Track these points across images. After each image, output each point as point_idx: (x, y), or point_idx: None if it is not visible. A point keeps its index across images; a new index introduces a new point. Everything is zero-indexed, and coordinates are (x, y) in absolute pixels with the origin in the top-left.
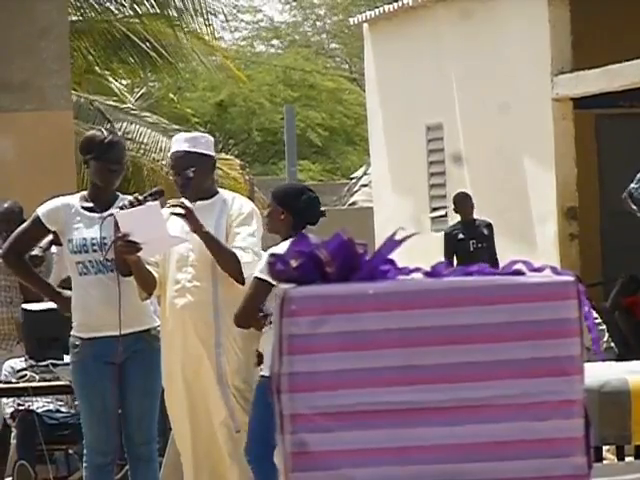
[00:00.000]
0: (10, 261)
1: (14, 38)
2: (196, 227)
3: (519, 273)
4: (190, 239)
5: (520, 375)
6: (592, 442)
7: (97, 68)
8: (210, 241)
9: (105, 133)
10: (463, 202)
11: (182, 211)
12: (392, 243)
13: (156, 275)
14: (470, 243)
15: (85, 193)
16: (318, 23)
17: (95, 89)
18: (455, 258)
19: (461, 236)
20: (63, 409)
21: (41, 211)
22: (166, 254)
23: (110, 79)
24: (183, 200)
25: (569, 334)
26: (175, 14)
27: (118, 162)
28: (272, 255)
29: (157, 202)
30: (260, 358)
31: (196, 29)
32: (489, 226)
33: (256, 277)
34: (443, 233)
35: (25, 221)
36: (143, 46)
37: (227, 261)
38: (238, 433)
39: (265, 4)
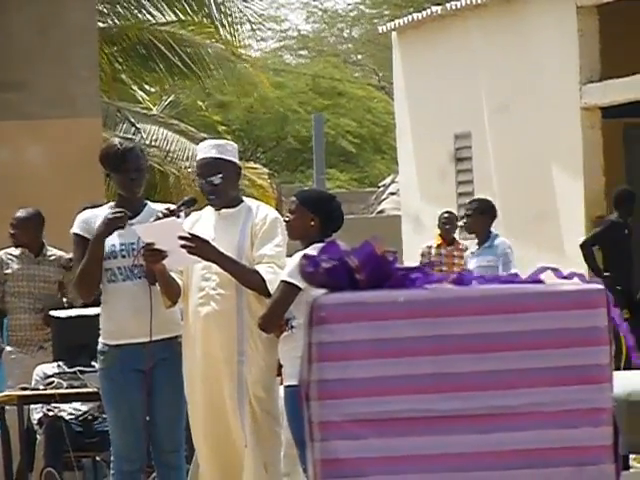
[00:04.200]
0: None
1: (44, 45)
2: (211, 258)
3: (542, 282)
4: (216, 246)
5: (550, 383)
6: (621, 449)
7: (124, 76)
8: (230, 265)
9: (118, 143)
10: (629, 200)
11: (192, 244)
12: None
13: (180, 283)
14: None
15: (113, 203)
16: (344, 33)
17: (122, 97)
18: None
19: (627, 231)
20: (90, 416)
21: (76, 228)
22: None
23: (138, 87)
24: (195, 234)
25: (598, 342)
26: (203, 21)
27: (136, 169)
28: (304, 257)
29: (174, 218)
30: (281, 368)
31: (225, 36)
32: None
33: (284, 281)
34: (603, 228)
35: (42, 227)
36: (168, 54)
37: (250, 281)
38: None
39: (291, 12)
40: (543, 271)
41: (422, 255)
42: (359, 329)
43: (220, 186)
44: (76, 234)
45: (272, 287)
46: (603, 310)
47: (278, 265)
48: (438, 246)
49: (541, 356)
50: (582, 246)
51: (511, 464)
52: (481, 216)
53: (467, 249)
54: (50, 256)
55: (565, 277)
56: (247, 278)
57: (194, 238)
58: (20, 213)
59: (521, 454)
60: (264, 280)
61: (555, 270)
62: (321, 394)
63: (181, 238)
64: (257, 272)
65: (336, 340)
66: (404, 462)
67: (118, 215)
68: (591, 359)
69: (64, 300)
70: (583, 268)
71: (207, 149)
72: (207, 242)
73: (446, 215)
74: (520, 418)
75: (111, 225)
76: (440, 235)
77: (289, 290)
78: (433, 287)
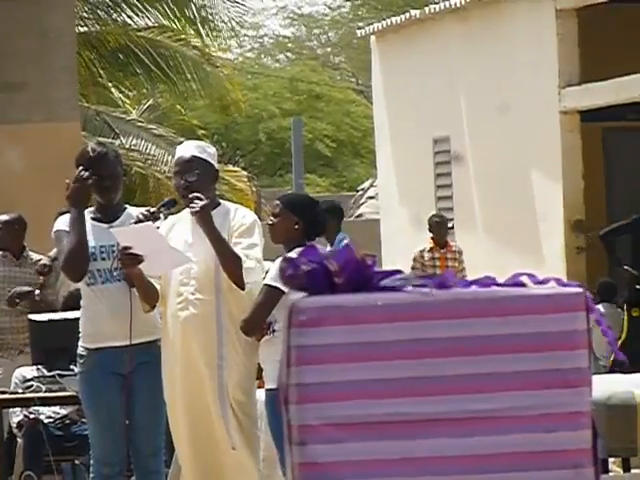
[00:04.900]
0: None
1: (22, 49)
2: (207, 224)
3: (525, 285)
4: (193, 252)
5: (528, 387)
6: (600, 453)
7: (101, 80)
8: (219, 241)
9: (91, 149)
10: None
11: (197, 207)
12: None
13: (158, 287)
14: None
15: (92, 208)
16: (322, 37)
17: (100, 101)
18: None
19: None
20: (69, 420)
21: (59, 226)
22: None
23: (115, 91)
24: (200, 195)
25: (577, 346)
26: (180, 27)
27: (109, 176)
28: (284, 260)
29: (149, 223)
30: (261, 372)
31: (203, 42)
32: None
33: (267, 284)
34: (627, 222)
35: (25, 231)
36: (145, 59)
37: (230, 263)
38: (235, 450)
39: (268, 19)
40: (518, 277)
41: (414, 260)
42: (338, 333)
43: (196, 183)
44: (59, 230)
45: (248, 277)
46: (582, 313)
47: (257, 260)
48: (430, 250)
49: (520, 359)
50: (602, 237)
51: (490, 468)
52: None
53: (461, 251)
54: (31, 259)
55: (540, 282)
56: (228, 258)
57: (199, 198)
58: (4, 216)
59: (500, 458)
60: (241, 266)
61: (530, 275)
62: (300, 398)
63: (191, 200)
64: (239, 258)
65: (315, 343)
66: (383, 466)
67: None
68: (570, 363)
69: (37, 292)
70: (561, 272)
71: (187, 147)
72: (209, 206)
73: (436, 219)
74: (499, 422)
75: (75, 193)
76: (432, 238)
77: (272, 293)
78: (412, 290)
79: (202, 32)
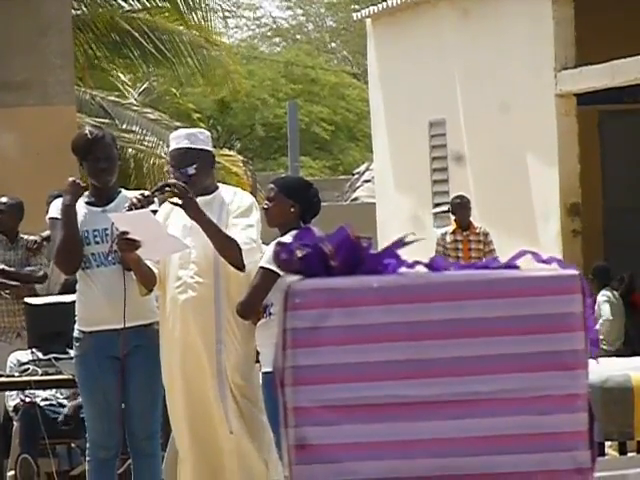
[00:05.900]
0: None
1: (17, 33)
2: (195, 214)
3: (517, 267)
4: (192, 236)
5: (524, 369)
6: (596, 436)
7: (97, 62)
8: (210, 228)
9: (88, 131)
10: None
11: (179, 201)
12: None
13: (156, 271)
14: None
15: (87, 193)
16: (318, 20)
17: (97, 84)
18: None
19: None
20: (67, 402)
21: (53, 213)
22: None
23: (112, 74)
24: (183, 186)
25: (573, 328)
26: (176, 8)
27: (106, 159)
28: (278, 244)
29: (147, 210)
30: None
31: (198, 23)
32: None
33: (262, 267)
34: None
35: (22, 217)
36: (142, 41)
37: (227, 248)
38: (232, 435)
39: (265, 0)
40: (523, 255)
41: (437, 243)
42: (333, 315)
43: (194, 177)
44: (53, 218)
45: (246, 258)
46: (578, 296)
47: (253, 240)
48: (453, 232)
49: (516, 342)
50: None
51: (485, 450)
52: None
53: (487, 233)
54: (25, 240)
55: (544, 261)
56: (224, 244)
57: (181, 187)
58: (9, 199)
59: (496, 440)
60: (240, 249)
61: (535, 254)
62: (295, 380)
63: (170, 197)
64: (235, 241)
65: (310, 326)
66: (378, 448)
67: (77, 185)
68: (566, 345)
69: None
70: (557, 255)
71: (179, 139)
72: (193, 197)
73: (457, 200)
74: (495, 404)
75: (73, 190)
76: (455, 220)
77: (268, 276)
78: (406, 272)
79: (194, 16)
